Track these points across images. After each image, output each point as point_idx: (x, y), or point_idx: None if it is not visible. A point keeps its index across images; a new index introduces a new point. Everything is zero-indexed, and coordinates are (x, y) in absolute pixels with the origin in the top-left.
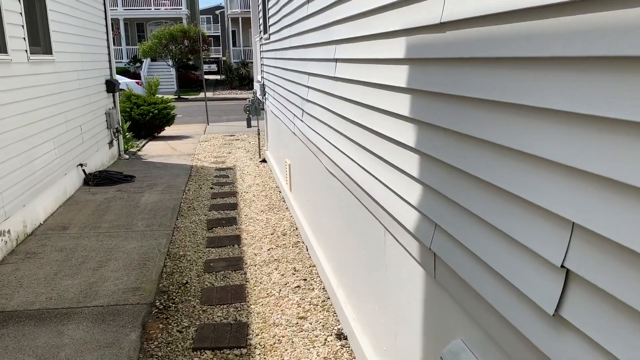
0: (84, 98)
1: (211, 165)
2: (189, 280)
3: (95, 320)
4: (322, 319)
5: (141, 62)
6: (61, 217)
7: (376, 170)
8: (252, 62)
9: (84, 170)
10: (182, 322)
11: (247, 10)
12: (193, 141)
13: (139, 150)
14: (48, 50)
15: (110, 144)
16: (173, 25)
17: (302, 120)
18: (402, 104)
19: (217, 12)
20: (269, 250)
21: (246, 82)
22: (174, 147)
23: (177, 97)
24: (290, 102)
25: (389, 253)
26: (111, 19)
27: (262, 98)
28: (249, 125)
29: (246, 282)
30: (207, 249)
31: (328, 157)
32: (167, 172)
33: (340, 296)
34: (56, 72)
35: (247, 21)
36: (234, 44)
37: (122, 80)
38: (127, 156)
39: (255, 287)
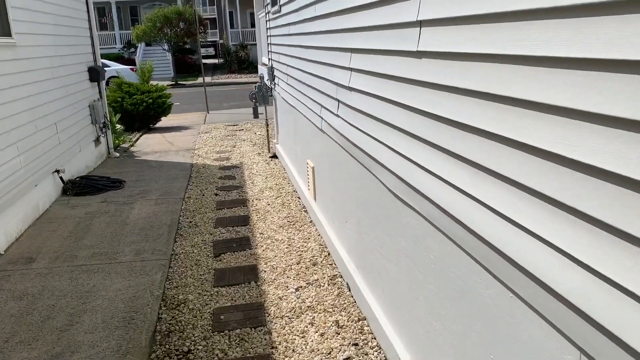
0: (59, 90)
1: (214, 163)
2: (192, 348)
3: None
4: None
5: (135, 47)
6: (29, 242)
7: (538, 224)
8: (252, 44)
9: (61, 178)
10: None
11: None
12: (192, 133)
13: (131, 145)
14: (5, 32)
15: (97, 141)
16: (167, 7)
17: (337, 115)
18: None
19: None
20: (297, 290)
21: (245, 65)
22: (171, 140)
23: (174, 83)
24: (316, 89)
25: None
26: (102, 2)
27: (271, 83)
28: (255, 116)
29: (272, 349)
30: (215, 290)
31: (397, 175)
32: (163, 173)
33: None
34: (18, 59)
35: (244, 1)
36: (232, 26)
37: (115, 67)
38: (117, 154)
39: None
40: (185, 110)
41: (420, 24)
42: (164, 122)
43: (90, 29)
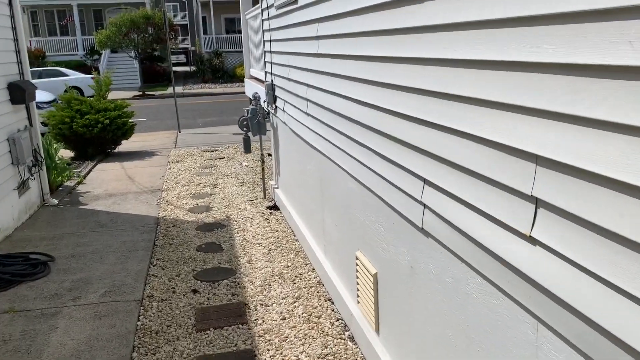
0: None
1: (189, 217)
2: None
3: None
4: None
5: (100, 55)
6: None
7: None
8: (227, 52)
9: None
10: None
11: None
12: (160, 162)
13: (79, 182)
14: None
15: (23, 187)
16: (135, 11)
17: (531, 240)
18: None
19: None
20: None
21: (220, 74)
22: (132, 174)
23: (141, 93)
24: (411, 146)
25: None
26: (63, 5)
27: (268, 106)
28: (247, 150)
29: None
30: None
31: None
32: (116, 238)
33: None
34: None
35: (219, 5)
36: (205, 32)
37: (75, 76)
38: (55, 200)
39: None
40: (152, 127)
41: None
42: (126, 145)
43: (15, 29)
